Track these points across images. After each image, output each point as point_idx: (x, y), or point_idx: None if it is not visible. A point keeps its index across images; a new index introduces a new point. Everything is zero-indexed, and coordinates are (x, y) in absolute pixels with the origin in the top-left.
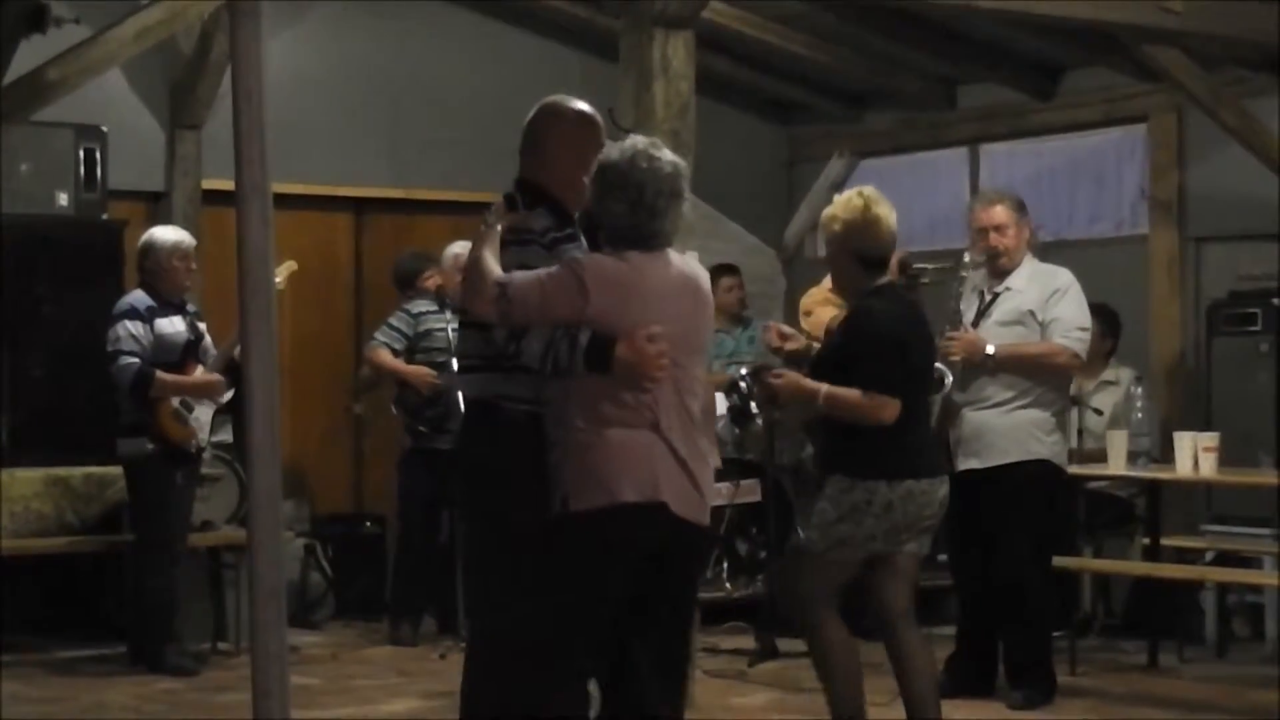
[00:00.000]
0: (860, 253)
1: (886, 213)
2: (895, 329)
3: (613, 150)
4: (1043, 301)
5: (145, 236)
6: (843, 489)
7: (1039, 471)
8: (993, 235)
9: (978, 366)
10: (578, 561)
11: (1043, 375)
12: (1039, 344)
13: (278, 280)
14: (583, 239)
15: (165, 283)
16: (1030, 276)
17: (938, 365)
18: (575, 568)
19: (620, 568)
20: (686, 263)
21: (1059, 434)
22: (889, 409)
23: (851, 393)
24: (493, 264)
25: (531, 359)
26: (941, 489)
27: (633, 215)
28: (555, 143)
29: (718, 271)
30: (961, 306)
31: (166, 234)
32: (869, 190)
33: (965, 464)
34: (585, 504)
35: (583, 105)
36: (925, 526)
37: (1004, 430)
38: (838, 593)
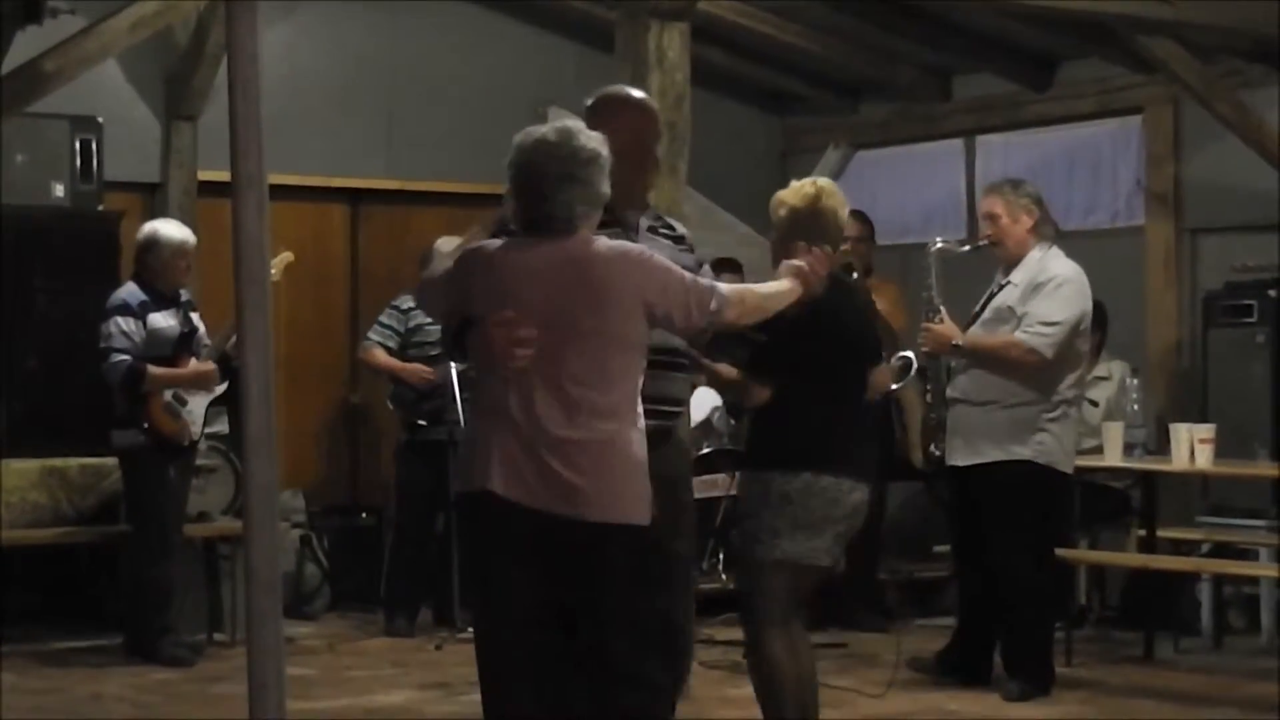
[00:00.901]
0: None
1: (837, 206)
2: (811, 319)
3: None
4: (1025, 295)
5: (148, 231)
6: (744, 481)
7: (1021, 472)
8: (986, 224)
9: (949, 357)
10: (468, 547)
11: (1003, 370)
12: (997, 337)
13: (273, 272)
14: (623, 230)
15: (163, 279)
16: (1024, 269)
17: (905, 354)
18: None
19: (490, 553)
20: (582, 247)
21: (1048, 433)
22: (756, 394)
23: (728, 369)
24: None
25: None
26: (856, 494)
27: (518, 199)
28: None
29: (719, 266)
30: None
31: (171, 231)
32: (824, 181)
33: (951, 459)
34: (456, 490)
35: (605, 90)
36: (835, 531)
37: (984, 429)
38: (789, 602)
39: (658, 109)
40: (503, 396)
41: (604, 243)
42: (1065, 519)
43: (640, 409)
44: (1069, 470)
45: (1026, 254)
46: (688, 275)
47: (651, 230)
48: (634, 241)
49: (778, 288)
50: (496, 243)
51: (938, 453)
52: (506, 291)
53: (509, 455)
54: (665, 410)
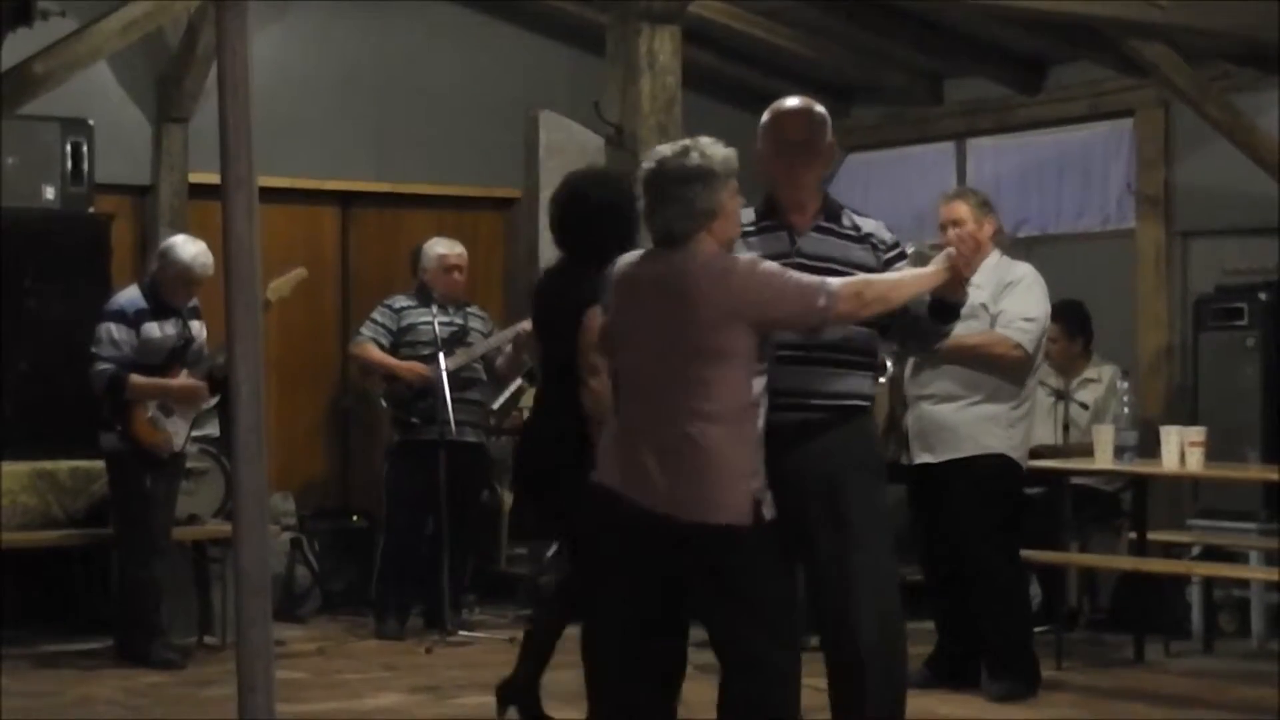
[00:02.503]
0: None
1: None
2: None
3: None
4: (996, 294)
5: (168, 242)
6: None
7: (994, 465)
8: (950, 230)
9: (929, 355)
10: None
11: (985, 366)
12: (979, 334)
13: (286, 289)
14: (785, 230)
15: (168, 293)
16: (989, 270)
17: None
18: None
19: (608, 545)
20: (684, 261)
21: (1017, 429)
22: None
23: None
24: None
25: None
26: None
27: (643, 215)
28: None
29: None
30: None
31: (182, 254)
32: None
33: (919, 458)
34: (593, 479)
35: (780, 102)
36: None
37: (956, 425)
38: None
39: (797, 109)
40: (626, 399)
41: (707, 256)
42: (1037, 518)
43: (750, 414)
44: (1025, 466)
45: (985, 258)
46: (794, 278)
47: (821, 230)
48: (795, 242)
49: (912, 274)
50: (636, 255)
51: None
52: (623, 302)
53: (629, 455)
54: (813, 404)
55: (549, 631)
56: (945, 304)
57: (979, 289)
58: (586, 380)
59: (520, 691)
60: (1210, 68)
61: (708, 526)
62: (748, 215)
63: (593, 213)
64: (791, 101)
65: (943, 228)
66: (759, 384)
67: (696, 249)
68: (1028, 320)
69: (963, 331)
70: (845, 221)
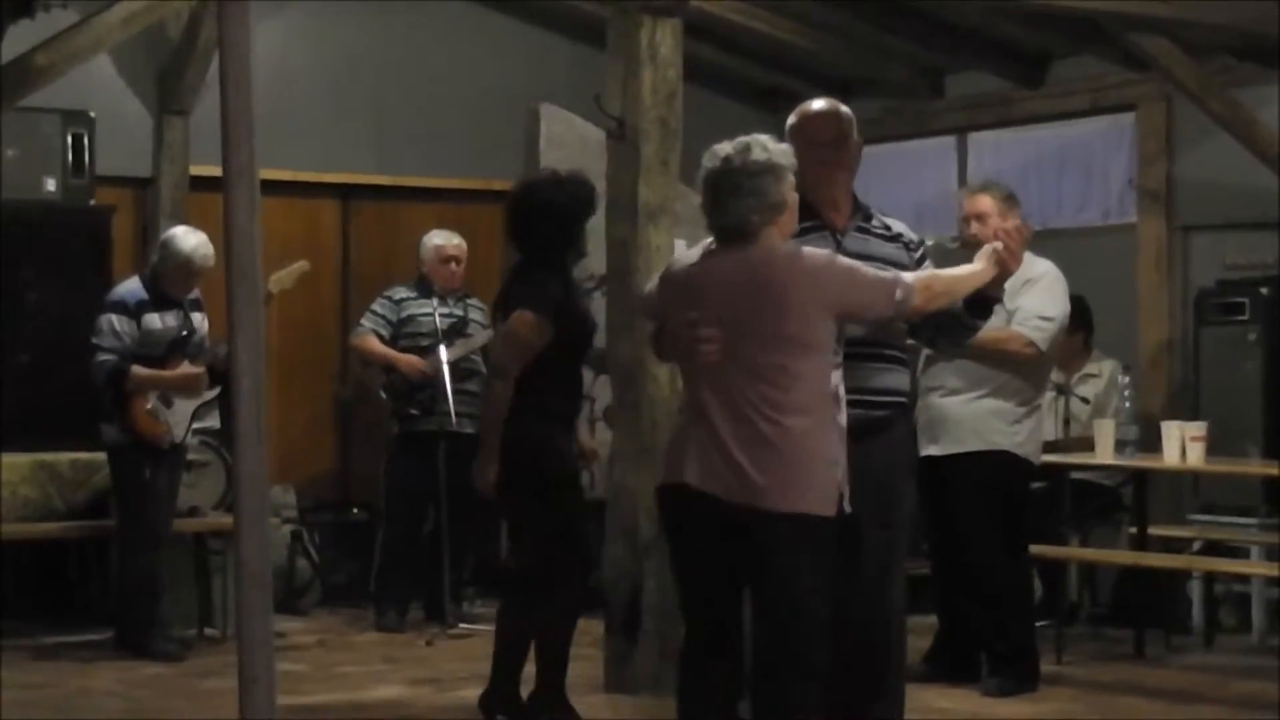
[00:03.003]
0: None
1: None
2: None
3: None
4: (1014, 290)
5: (167, 233)
6: None
7: (997, 462)
8: (974, 224)
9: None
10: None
11: (998, 362)
12: (994, 329)
13: (288, 280)
14: (828, 231)
15: (168, 284)
16: None
17: None
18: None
19: (678, 541)
20: (761, 254)
21: (1025, 425)
22: None
23: None
24: None
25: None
26: None
27: (706, 213)
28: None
29: None
30: None
31: (182, 245)
32: None
33: (925, 450)
34: (656, 484)
35: (806, 104)
36: None
37: (963, 419)
38: None
39: (823, 110)
40: (698, 394)
41: (785, 249)
42: (1038, 512)
43: (831, 405)
44: (1037, 463)
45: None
46: (871, 272)
47: (861, 230)
48: (840, 241)
49: (969, 270)
50: (694, 255)
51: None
52: (694, 298)
53: (703, 449)
54: (872, 400)
55: (518, 633)
56: (983, 299)
57: None
58: (491, 379)
59: (504, 699)
60: (1212, 62)
61: (794, 515)
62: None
63: (540, 213)
64: (818, 104)
65: (966, 221)
66: (837, 375)
67: (769, 242)
68: (1044, 319)
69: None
70: (876, 221)
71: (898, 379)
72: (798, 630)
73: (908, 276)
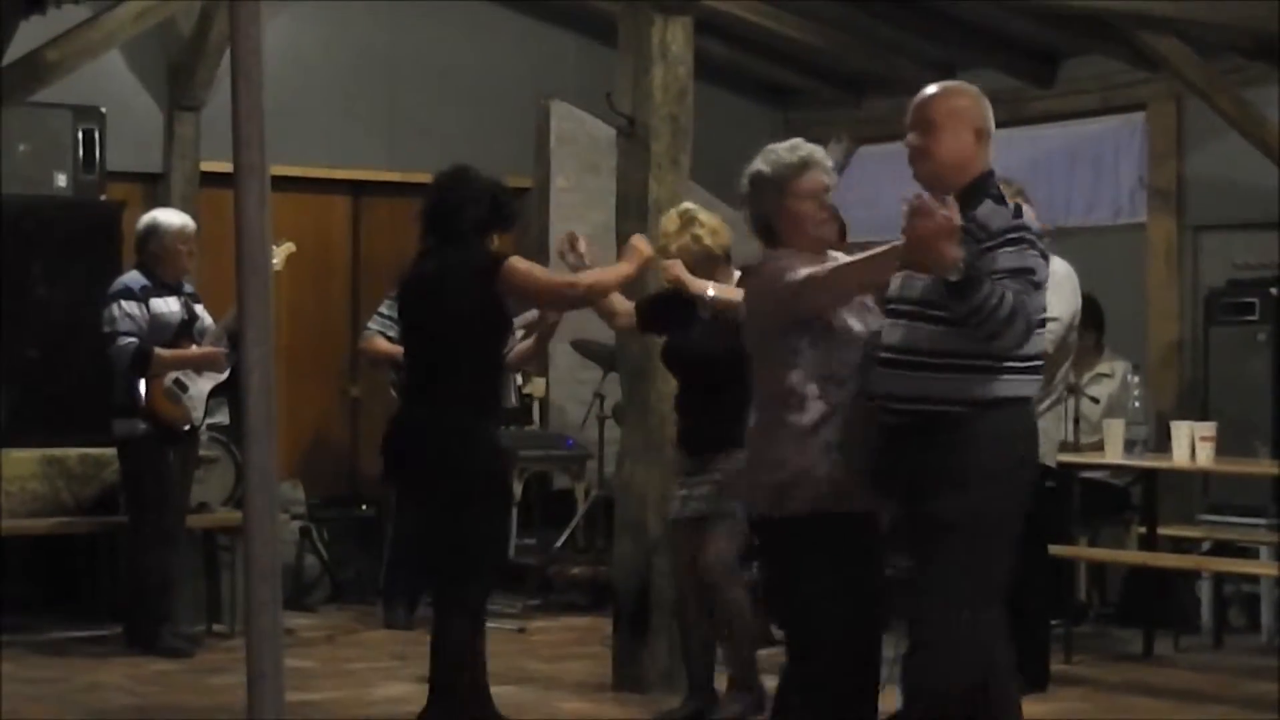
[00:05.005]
0: None
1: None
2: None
3: None
4: None
5: (148, 219)
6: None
7: None
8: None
9: None
10: None
11: None
12: None
13: (275, 261)
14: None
15: (165, 266)
16: None
17: None
18: None
19: None
20: (753, 267)
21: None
22: None
23: None
24: None
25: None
26: None
27: None
28: None
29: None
30: None
31: (171, 218)
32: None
33: None
34: None
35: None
36: None
37: None
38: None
39: (914, 103)
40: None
41: (760, 262)
42: (1054, 513)
43: (782, 406)
44: (1053, 464)
45: None
46: (781, 277)
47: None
48: None
49: (863, 255)
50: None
51: None
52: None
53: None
54: (882, 407)
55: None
56: (949, 283)
57: None
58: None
59: (476, 704)
60: (1222, 61)
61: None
62: None
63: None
64: (926, 90)
65: None
66: (796, 375)
67: (769, 253)
68: (1050, 320)
69: None
70: (984, 210)
71: (934, 385)
72: (793, 636)
73: (802, 272)
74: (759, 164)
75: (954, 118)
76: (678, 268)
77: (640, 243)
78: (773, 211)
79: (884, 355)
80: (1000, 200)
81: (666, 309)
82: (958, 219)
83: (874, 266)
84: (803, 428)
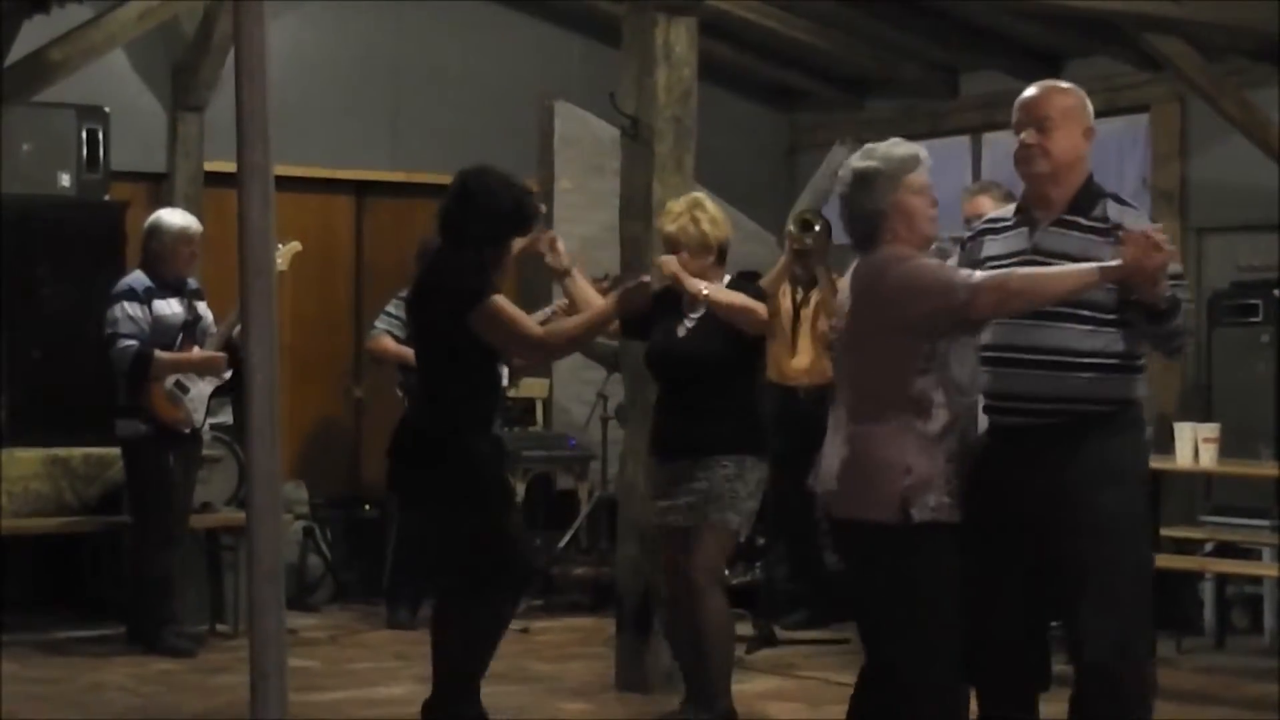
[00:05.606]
0: None
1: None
2: None
3: None
4: None
5: (152, 219)
6: (750, 468)
7: None
8: (975, 225)
9: None
10: None
11: None
12: None
13: (280, 261)
14: (1027, 226)
15: (168, 266)
16: None
17: None
18: None
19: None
20: (865, 263)
21: None
22: None
23: None
24: None
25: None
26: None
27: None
28: None
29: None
30: None
31: (174, 218)
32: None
33: None
34: None
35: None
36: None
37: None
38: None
39: (1018, 101)
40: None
41: (872, 260)
42: None
43: (905, 412)
44: None
45: None
46: (936, 275)
47: (1064, 224)
48: (1033, 238)
49: (1064, 269)
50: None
51: None
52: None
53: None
54: (1015, 408)
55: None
56: (1144, 304)
57: None
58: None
59: (457, 701)
60: (1226, 63)
61: (853, 522)
62: (1006, 212)
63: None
64: (1025, 91)
65: (967, 222)
66: (924, 382)
67: (879, 251)
68: None
69: None
70: (1097, 212)
71: (1088, 386)
72: (891, 644)
73: (978, 275)
74: (866, 160)
75: (1068, 116)
76: (674, 264)
77: (669, 264)
78: (885, 207)
79: (1019, 356)
80: (1119, 200)
81: (649, 313)
82: (1176, 255)
83: (1078, 282)
84: (930, 435)
